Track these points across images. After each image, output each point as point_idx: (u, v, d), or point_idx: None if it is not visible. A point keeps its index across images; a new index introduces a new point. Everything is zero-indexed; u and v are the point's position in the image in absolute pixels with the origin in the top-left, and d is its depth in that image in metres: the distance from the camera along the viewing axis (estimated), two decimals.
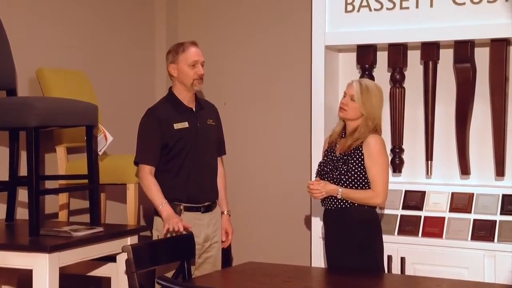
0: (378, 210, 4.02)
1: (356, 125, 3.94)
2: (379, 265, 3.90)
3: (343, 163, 3.89)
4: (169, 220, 3.83)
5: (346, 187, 3.87)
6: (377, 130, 3.94)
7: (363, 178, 3.87)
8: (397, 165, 4.61)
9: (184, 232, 3.83)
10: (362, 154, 3.87)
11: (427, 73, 4.54)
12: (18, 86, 4.33)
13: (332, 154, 3.99)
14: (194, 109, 4.07)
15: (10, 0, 4.43)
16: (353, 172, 3.86)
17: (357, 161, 3.87)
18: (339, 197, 3.86)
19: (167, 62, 4.04)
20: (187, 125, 4.00)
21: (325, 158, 4.03)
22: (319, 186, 3.88)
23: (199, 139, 4.03)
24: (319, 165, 4.05)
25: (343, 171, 3.88)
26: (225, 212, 4.23)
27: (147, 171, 3.94)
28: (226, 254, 5.06)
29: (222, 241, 4.18)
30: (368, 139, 3.88)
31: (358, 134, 3.91)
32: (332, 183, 3.89)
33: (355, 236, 3.86)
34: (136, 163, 4.01)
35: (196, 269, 4.03)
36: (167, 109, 4.01)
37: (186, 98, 4.05)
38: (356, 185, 3.87)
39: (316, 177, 4.01)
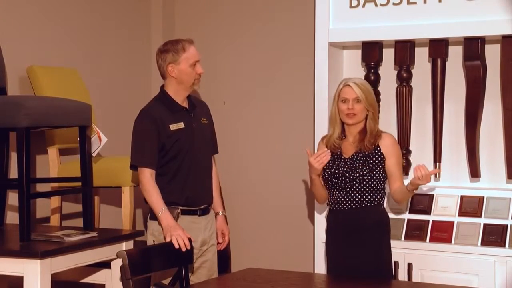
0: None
1: (363, 125, 4.00)
2: (390, 270, 3.97)
3: (362, 164, 3.94)
4: (172, 232, 3.81)
5: (368, 187, 3.94)
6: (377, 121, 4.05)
7: (385, 177, 4.00)
8: (404, 167, 4.58)
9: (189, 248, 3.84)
10: (382, 154, 3.96)
11: (435, 71, 4.54)
12: (8, 85, 4.33)
13: (340, 158, 4.01)
14: (188, 109, 4.08)
15: None
16: (375, 172, 3.95)
17: (376, 161, 3.96)
18: (408, 188, 3.95)
19: (164, 62, 3.98)
20: (183, 126, 4.00)
21: (330, 161, 4.01)
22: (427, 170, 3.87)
23: (195, 140, 4.03)
24: (327, 168, 4.01)
25: (365, 172, 3.93)
26: (220, 213, 4.24)
27: (149, 175, 3.91)
28: (225, 260, 5.07)
29: (218, 243, 4.19)
30: (384, 138, 3.99)
31: (369, 128, 3.98)
32: (353, 183, 3.94)
33: (370, 238, 3.92)
34: (134, 166, 3.99)
35: (192, 274, 4.02)
36: (161, 109, 3.99)
37: (181, 97, 4.04)
38: (377, 185, 3.97)
39: (323, 182, 4.06)
